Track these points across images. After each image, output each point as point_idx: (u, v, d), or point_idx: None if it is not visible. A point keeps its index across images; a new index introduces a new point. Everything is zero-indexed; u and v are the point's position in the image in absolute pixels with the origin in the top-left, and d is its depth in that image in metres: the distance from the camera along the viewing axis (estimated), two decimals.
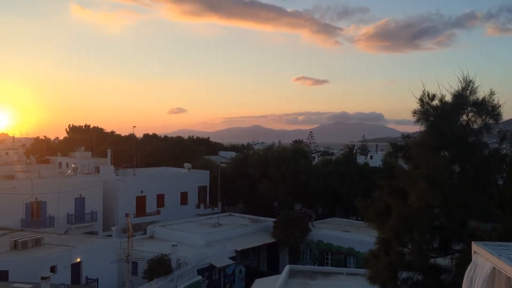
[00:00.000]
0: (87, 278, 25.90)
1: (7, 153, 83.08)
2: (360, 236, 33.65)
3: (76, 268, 25.52)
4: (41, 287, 16.84)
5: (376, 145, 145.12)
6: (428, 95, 10.60)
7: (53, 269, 23.12)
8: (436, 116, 10.39)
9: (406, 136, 11.30)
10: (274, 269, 36.26)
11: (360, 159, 69.06)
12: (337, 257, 35.43)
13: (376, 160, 66.78)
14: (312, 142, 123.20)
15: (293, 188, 50.28)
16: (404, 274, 10.53)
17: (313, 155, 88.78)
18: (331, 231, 37.19)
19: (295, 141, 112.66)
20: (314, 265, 33.68)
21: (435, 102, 10.60)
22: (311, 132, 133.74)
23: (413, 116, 10.68)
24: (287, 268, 25.67)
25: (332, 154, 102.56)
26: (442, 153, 10.28)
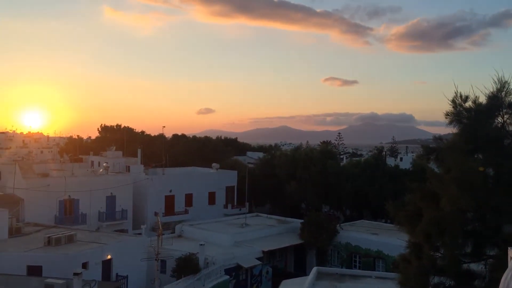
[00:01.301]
0: (117, 275, 26.41)
1: (42, 152, 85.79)
2: (389, 239, 33.14)
3: (107, 265, 26.07)
4: (73, 282, 17.28)
5: (406, 147, 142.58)
6: (461, 96, 10.32)
7: (84, 265, 23.70)
8: (469, 118, 10.12)
9: (438, 138, 11.04)
10: (301, 271, 36.11)
11: (390, 161, 67.99)
12: (365, 260, 34.98)
13: (406, 162, 65.63)
14: (341, 143, 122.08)
15: (320, 189, 49.94)
16: (436, 279, 10.31)
17: (341, 156, 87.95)
18: (360, 234, 36.75)
19: (323, 142, 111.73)
20: (342, 268, 33.36)
21: (469, 103, 10.32)
22: (339, 133, 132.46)
23: (446, 118, 10.43)
24: (314, 269, 25.53)
25: (361, 155, 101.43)
26: (476, 156, 10.02)
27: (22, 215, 36.56)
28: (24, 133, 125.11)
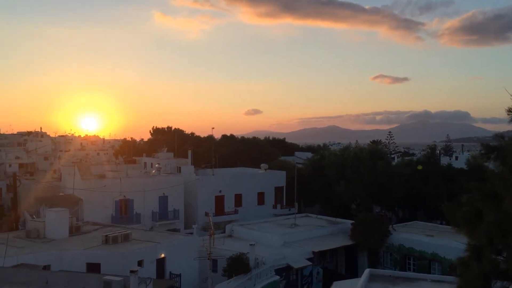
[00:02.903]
0: (170, 273, 27.07)
1: (98, 154, 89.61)
2: (445, 241, 31.95)
3: (160, 263, 26.81)
4: (130, 280, 17.89)
5: (462, 145, 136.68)
6: None
7: (140, 263, 24.46)
8: None
9: (499, 136, 10.49)
10: (353, 272, 35.50)
11: (444, 160, 65.46)
12: (420, 263, 33.89)
13: (461, 161, 62.88)
14: (392, 143, 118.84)
15: (371, 189, 48.89)
16: (498, 284, 9.82)
17: (392, 156, 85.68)
18: (414, 235, 35.63)
19: (373, 142, 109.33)
20: (395, 270, 32.47)
21: None
22: (390, 132, 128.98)
23: (508, 114, 9.88)
24: (366, 271, 25.01)
25: (413, 155, 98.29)
26: None
27: (81, 214, 38.33)
28: (82, 136, 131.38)
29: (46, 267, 22.99)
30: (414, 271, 32.88)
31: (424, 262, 33.59)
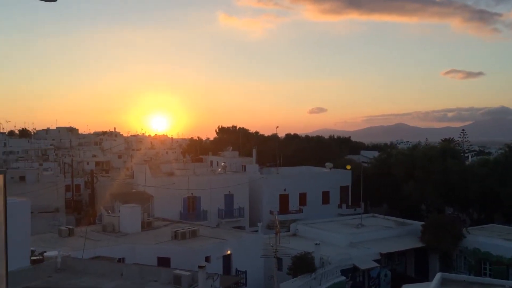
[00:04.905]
0: (236, 269, 27.54)
1: (167, 153, 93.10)
2: None
3: (227, 260, 27.34)
4: (198, 275, 18.41)
5: None
6: None
7: (207, 259, 25.10)
8: None
9: None
10: (423, 276, 34.12)
11: None
12: (497, 268, 31.86)
13: None
14: (465, 141, 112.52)
15: (442, 189, 46.65)
16: None
17: (465, 154, 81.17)
18: (490, 239, 33.57)
19: (444, 140, 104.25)
20: (469, 275, 30.77)
21: None
22: (463, 129, 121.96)
23: None
24: (438, 276, 23.90)
25: (489, 153, 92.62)
26: None
27: (152, 210, 40.05)
28: (152, 135, 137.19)
29: (121, 260, 24.27)
30: (490, 277, 30.97)
31: (501, 268, 31.54)
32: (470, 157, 75.58)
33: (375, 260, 31.81)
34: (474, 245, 33.50)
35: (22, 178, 46.26)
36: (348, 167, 52.05)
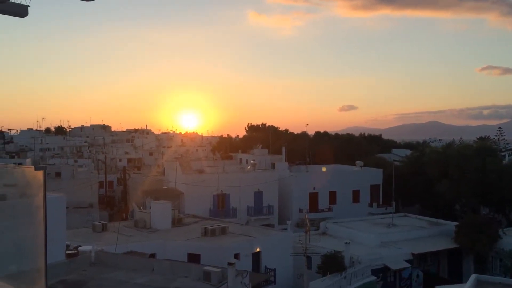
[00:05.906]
0: (265, 267, 27.61)
1: (197, 150, 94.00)
2: None
3: (256, 257, 27.44)
4: (228, 271, 18.54)
5: None
6: None
7: (236, 256, 25.25)
8: None
9: None
10: (457, 278, 33.28)
11: None
12: None
13: None
14: (502, 139, 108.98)
15: (478, 189, 45.27)
16: None
17: (503, 153, 78.52)
18: None
19: (480, 138, 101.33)
20: (505, 277, 29.81)
21: None
22: (500, 127, 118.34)
23: None
24: (473, 277, 23.26)
25: None
26: None
27: (182, 207, 40.61)
28: (182, 133, 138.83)
29: (152, 255, 24.73)
30: None
31: None
32: (507, 155, 73.06)
33: (407, 261, 31.24)
34: (511, 246, 32.43)
35: (58, 174, 47.77)
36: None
